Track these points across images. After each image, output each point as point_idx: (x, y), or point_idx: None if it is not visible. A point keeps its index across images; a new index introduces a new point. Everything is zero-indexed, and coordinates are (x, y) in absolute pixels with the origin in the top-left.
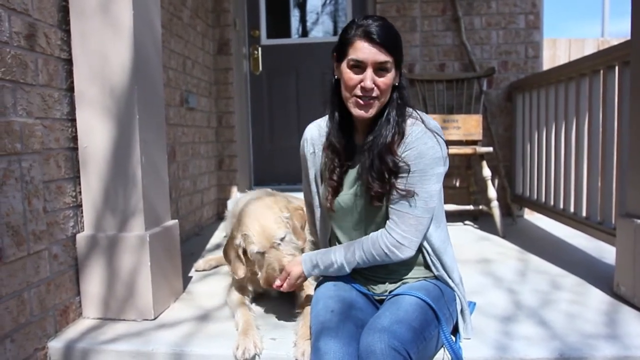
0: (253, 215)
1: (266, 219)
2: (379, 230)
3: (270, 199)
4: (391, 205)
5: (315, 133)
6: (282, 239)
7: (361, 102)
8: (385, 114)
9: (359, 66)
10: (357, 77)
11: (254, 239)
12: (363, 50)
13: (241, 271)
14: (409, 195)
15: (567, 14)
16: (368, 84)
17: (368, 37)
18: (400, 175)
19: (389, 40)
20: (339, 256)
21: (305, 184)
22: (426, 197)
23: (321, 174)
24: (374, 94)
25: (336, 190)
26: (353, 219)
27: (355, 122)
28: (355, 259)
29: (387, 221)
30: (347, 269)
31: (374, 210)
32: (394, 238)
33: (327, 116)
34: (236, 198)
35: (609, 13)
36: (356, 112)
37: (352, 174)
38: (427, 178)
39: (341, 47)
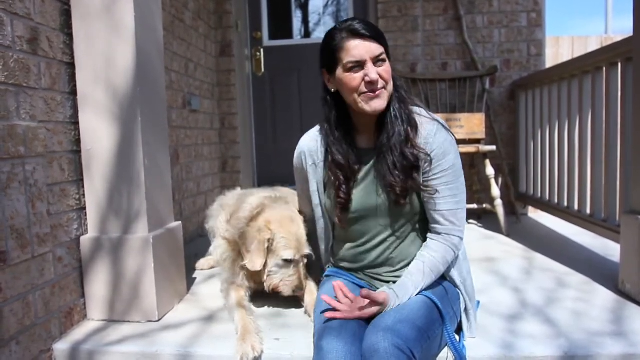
0: (288, 220)
1: (300, 230)
2: (435, 239)
3: (295, 212)
4: (441, 209)
5: (313, 145)
6: (306, 256)
7: (371, 94)
8: (391, 109)
9: (358, 65)
10: (359, 76)
11: (290, 244)
12: (358, 48)
13: (259, 264)
14: (455, 196)
15: (571, 12)
16: (373, 76)
17: (357, 34)
18: (433, 177)
19: (376, 32)
20: (419, 284)
21: (304, 196)
22: (463, 189)
23: (324, 186)
24: (380, 85)
25: (345, 206)
26: (376, 223)
27: (359, 126)
28: (433, 277)
29: (441, 225)
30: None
31: (399, 209)
32: (458, 237)
33: (319, 127)
34: (235, 193)
35: (612, 10)
36: (370, 107)
37: (366, 179)
38: (458, 170)
39: (331, 57)
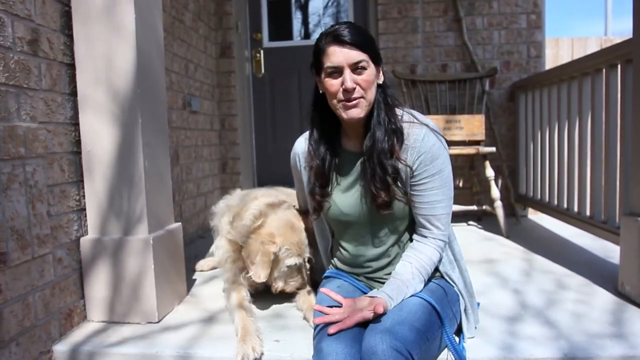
0: (289, 229)
1: (301, 235)
2: (420, 240)
3: (296, 217)
4: (426, 213)
5: (306, 147)
6: (307, 259)
7: (347, 104)
8: (375, 115)
9: (337, 71)
10: (337, 82)
11: (293, 253)
12: (335, 54)
13: (264, 275)
14: (441, 201)
15: (570, 13)
16: (349, 84)
17: (337, 40)
18: (419, 182)
19: (358, 39)
20: (411, 288)
21: (301, 195)
22: (450, 194)
23: None
24: (357, 94)
25: (320, 205)
26: (360, 227)
27: (347, 129)
28: (423, 278)
29: (427, 228)
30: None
31: (384, 215)
32: (442, 240)
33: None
34: (240, 194)
35: (611, 12)
36: (347, 115)
37: (354, 182)
38: (446, 175)
39: (317, 60)
